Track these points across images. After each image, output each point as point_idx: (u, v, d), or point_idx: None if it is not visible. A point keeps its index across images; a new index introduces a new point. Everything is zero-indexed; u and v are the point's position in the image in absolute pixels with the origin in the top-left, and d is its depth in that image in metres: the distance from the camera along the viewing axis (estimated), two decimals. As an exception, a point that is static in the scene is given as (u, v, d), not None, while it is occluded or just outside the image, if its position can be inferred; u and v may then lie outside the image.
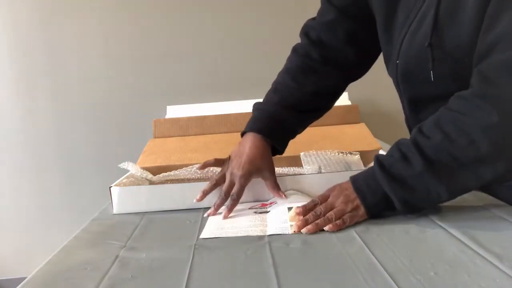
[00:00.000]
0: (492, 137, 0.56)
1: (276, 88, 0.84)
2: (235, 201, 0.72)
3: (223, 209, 0.72)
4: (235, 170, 0.73)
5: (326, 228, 0.61)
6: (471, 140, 0.57)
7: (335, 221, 0.62)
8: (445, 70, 0.66)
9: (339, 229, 0.61)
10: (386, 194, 0.61)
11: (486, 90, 0.58)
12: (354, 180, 0.65)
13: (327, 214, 0.63)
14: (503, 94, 0.57)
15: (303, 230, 0.61)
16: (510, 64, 0.56)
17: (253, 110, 0.83)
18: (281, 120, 0.79)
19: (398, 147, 0.62)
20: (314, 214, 0.63)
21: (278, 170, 0.86)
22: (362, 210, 0.63)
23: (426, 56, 0.66)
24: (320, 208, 0.64)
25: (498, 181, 0.64)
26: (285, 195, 0.73)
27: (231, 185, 0.73)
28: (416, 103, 0.76)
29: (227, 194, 0.72)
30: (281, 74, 0.87)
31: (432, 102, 0.69)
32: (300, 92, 0.82)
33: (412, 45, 0.69)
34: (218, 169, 0.87)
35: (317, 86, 0.82)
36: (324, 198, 0.67)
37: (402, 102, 0.81)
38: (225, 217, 0.70)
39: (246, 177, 0.73)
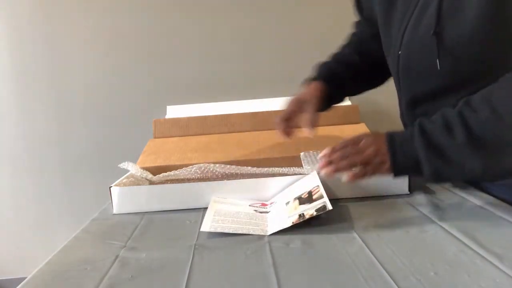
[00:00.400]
0: None
1: (335, 54, 0.93)
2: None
3: (225, 204, 0.72)
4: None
5: (344, 177, 0.61)
6: None
7: (358, 167, 0.61)
8: (448, 61, 0.65)
9: (357, 179, 0.61)
10: (418, 159, 0.60)
11: None
12: (390, 135, 0.63)
13: (353, 158, 0.62)
14: None
15: (322, 172, 0.61)
16: None
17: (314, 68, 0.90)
18: (333, 70, 0.87)
19: (442, 115, 0.60)
20: (341, 156, 0.62)
21: (278, 170, 0.86)
22: (387, 166, 0.61)
23: (430, 45, 0.65)
24: (348, 150, 0.63)
25: None
26: (314, 132, 0.75)
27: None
28: (414, 98, 0.75)
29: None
30: (341, 48, 0.95)
31: (430, 97, 0.69)
32: (353, 55, 0.90)
33: (415, 36, 0.69)
34: (218, 169, 0.87)
35: (369, 51, 0.89)
36: (355, 141, 0.64)
37: (399, 97, 0.81)
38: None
39: (293, 102, 0.81)
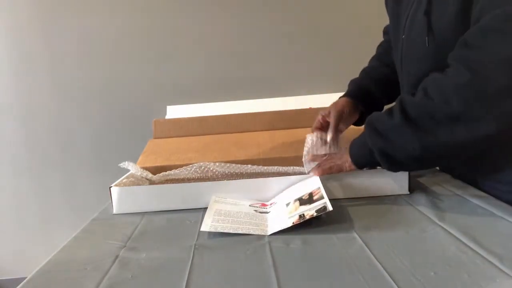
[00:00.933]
0: (463, 96, 0.59)
1: (364, 69, 1.01)
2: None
3: (225, 204, 0.72)
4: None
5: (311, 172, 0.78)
6: (445, 99, 0.60)
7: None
8: (434, 41, 0.71)
9: (323, 174, 0.76)
10: (369, 146, 0.69)
11: (461, 52, 0.62)
12: (354, 138, 0.75)
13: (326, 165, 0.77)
14: (474, 55, 0.60)
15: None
16: (485, 29, 0.59)
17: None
18: (365, 87, 0.94)
19: (390, 107, 0.69)
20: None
21: (277, 168, 0.86)
22: (349, 161, 0.74)
23: (422, 25, 0.71)
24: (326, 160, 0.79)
25: (481, 145, 0.65)
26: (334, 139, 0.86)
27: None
28: (411, 83, 0.79)
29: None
30: (372, 62, 1.02)
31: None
32: (382, 67, 0.97)
33: (414, 18, 0.75)
34: (218, 168, 0.87)
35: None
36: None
37: (401, 81, 0.86)
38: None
39: (326, 113, 0.89)
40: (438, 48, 0.70)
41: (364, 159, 0.72)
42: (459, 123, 0.60)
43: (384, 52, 1.00)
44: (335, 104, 0.90)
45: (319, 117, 0.89)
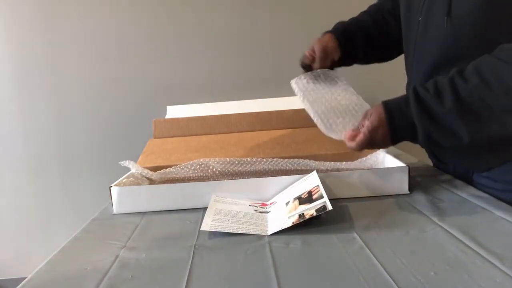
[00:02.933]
0: None
1: (355, 17, 0.99)
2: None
3: (225, 204, 0.72)
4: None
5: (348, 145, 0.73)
6: (507, 90, 0.58)
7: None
8: (454, 24, 0.68)
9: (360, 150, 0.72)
10: (414, 123, 0.64)
11: None
12: (386, 103, 0.68)
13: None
14: None
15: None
16: None
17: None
18: (349, 32, 0.92)
19: (434, 83, 0.64)
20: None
21: (278, 161, 0.86)
22: (385, 130, 0.67)
23: (442, 6, 0.69)
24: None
25: None
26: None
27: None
28: (424, 68, 0.77)
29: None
30: (361, 13, 1.01)
31: (439, 68, 0.72)
32: (371, 24, 0.95)
33: (434, 1, 0.72)
34: (218, 169, 0.87)
35: (384, 22, 0.95)
36: (367, 139, 0.71)
37: (410, 67, 0.85)
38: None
39: (311, 48, 0.89)
40: (455, 32, 0.68)
41: (403, 133, 0.67)
42: None
43: (375, 11, 0.99)
44: (318, 39, 0.90)
45: (305, 54, 0.89)
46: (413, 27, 0.80)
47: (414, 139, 0.67)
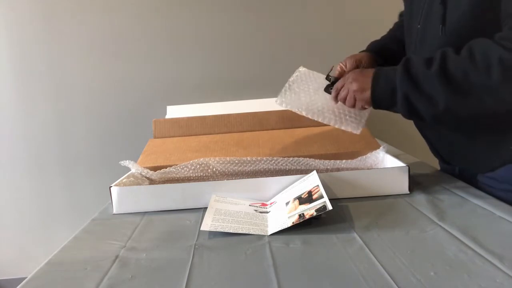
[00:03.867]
0: (505, 70, 0.60)
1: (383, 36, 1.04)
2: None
3: (225, 204, 0.72)
4: None
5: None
6: (487, 66, 0.61)
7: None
8: (449, 31, 0.71)
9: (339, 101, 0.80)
10: (395, 84, 0.68)
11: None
12: (379, 67, 0.74)
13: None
14: None
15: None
16: None
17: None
18: (385, 45, 0.98)
19: (434, 55, 0.67)
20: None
21: (278, 160, 0.86)
22: (368, 93, 0.72)
23: (438, 14, 0.72)
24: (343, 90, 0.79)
25: (497, 114, 0.68)
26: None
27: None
28: None
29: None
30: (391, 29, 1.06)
31: None
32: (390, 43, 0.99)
33: (431, 7, 0.76)
34: (218, 168, 0.87)
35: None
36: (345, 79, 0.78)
37: None
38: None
39: (343, 62, 0.90)
40: (449, 38, 0.71)
41: (385, 95, 0.71)
42: (491, 94, 0.62)
43: (397, 31, 1.03)
44: (353, 55, 0.91)
45: (337, 67, 0.90)
46: (413, 34, 0.83)
47: (391, 101, 0.70)
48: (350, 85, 0.76)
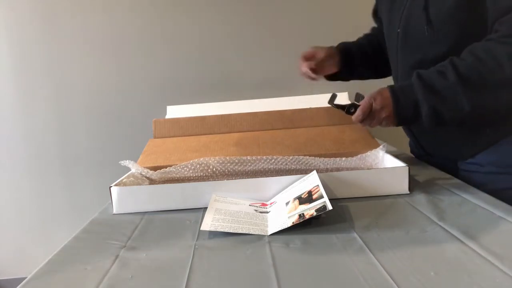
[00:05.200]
0: None
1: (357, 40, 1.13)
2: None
3: (225, 204, 0.72)
4: None
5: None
6: (498, 63, 0.68)
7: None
8: (433, 30, 0.78)
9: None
10: (417, 100, 0.72)
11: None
12: (390, 86, 0.77)
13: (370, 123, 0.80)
14: None
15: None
16: None
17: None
18: (347, 45, 1.07)
19: (435, 68, 0.73)
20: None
21: (278, 159, 0.86)
22: (390, 110, 0.75)
23: (421, 18, 0.79)
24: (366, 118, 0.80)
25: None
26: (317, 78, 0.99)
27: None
28: (410, 66, 0.85)
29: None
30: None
31: (423, 64, 0.78)
32: (366, 46, 1.09)
33: (411, 12, 0.83)
34: (218, 168, 0.87)
35: (374, 48, 1.08)
36: (367, 107, 0.78)
37: (395, 71, 0.94)
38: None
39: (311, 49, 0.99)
40: (435, 35, 0.79)
41: (408, 111, 0.74)
42: (507, 87, 0.69)
43: (373, 34, 1.12)
44: (324, 48, 1.01)
45: (304, 53, 0.99)
46: (393, 39, 0.90)
47: (417, 116, 0.74)
48: (379, 114, 0.78)
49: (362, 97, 0.81)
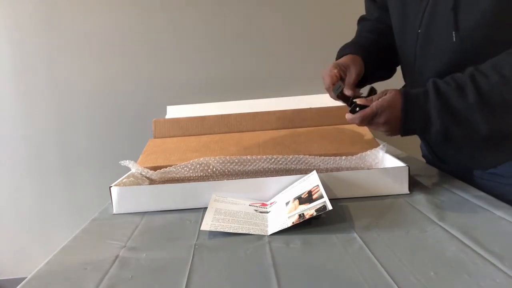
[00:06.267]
0: None
1: (356, 37, 0.96)
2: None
3: (225, 203, 0.72)
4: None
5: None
6: None
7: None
8: (462, 35, 0.69)
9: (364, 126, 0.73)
10: (430, 117, 0.66)
11: None
12: (406, 91, 0.69)
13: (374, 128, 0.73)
14: None
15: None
16: None
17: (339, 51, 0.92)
18: (363, 45, 0.90)
19: (453, 78, 0.66)
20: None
21: (277, 158, 0.86)
22: (396, 116, 0.69)
23: (448, 20, 0.69)
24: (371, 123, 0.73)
25: None
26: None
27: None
28: (430, 75, 0.75)
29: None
30: (357, 32, 0.98)
31: (445, 74, 0.71)
32: (375, 39, 0.92)
33: (435, 12, 0.73)
34: (218, 168, 0.87)
35: (386, 41, 0.91)
36: (369, 116, 0.71)
37: (410, 73, 0.84)
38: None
39: (334, 65, 0.82)
40: (464, 44, 0.69)
41: (416, 125, 0.69)
42: None
43: (372, 25, 0.97)
44: (353, 61, 0.84)
45: (335, 71, 0.81)
46: (411, 39, 0.79)
47: (425, 131, 0.68)
48: (382, 127, 0.72)
49: (375, 92, 0.75)
